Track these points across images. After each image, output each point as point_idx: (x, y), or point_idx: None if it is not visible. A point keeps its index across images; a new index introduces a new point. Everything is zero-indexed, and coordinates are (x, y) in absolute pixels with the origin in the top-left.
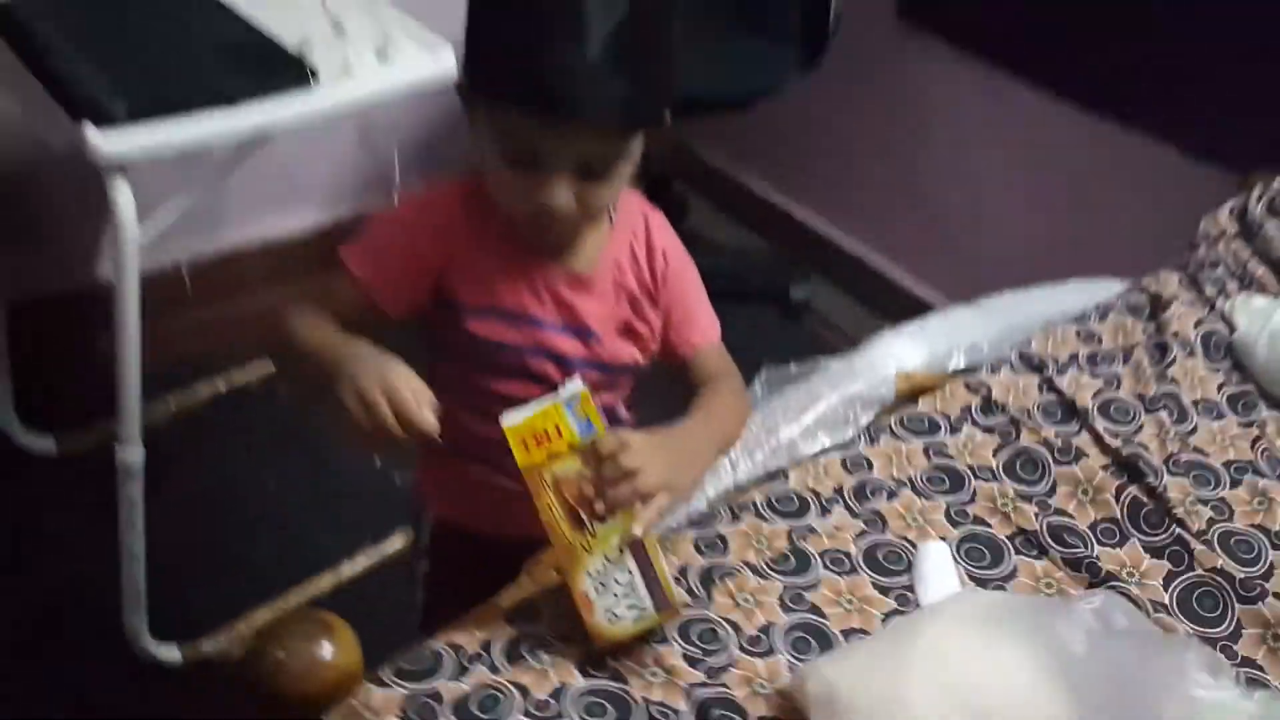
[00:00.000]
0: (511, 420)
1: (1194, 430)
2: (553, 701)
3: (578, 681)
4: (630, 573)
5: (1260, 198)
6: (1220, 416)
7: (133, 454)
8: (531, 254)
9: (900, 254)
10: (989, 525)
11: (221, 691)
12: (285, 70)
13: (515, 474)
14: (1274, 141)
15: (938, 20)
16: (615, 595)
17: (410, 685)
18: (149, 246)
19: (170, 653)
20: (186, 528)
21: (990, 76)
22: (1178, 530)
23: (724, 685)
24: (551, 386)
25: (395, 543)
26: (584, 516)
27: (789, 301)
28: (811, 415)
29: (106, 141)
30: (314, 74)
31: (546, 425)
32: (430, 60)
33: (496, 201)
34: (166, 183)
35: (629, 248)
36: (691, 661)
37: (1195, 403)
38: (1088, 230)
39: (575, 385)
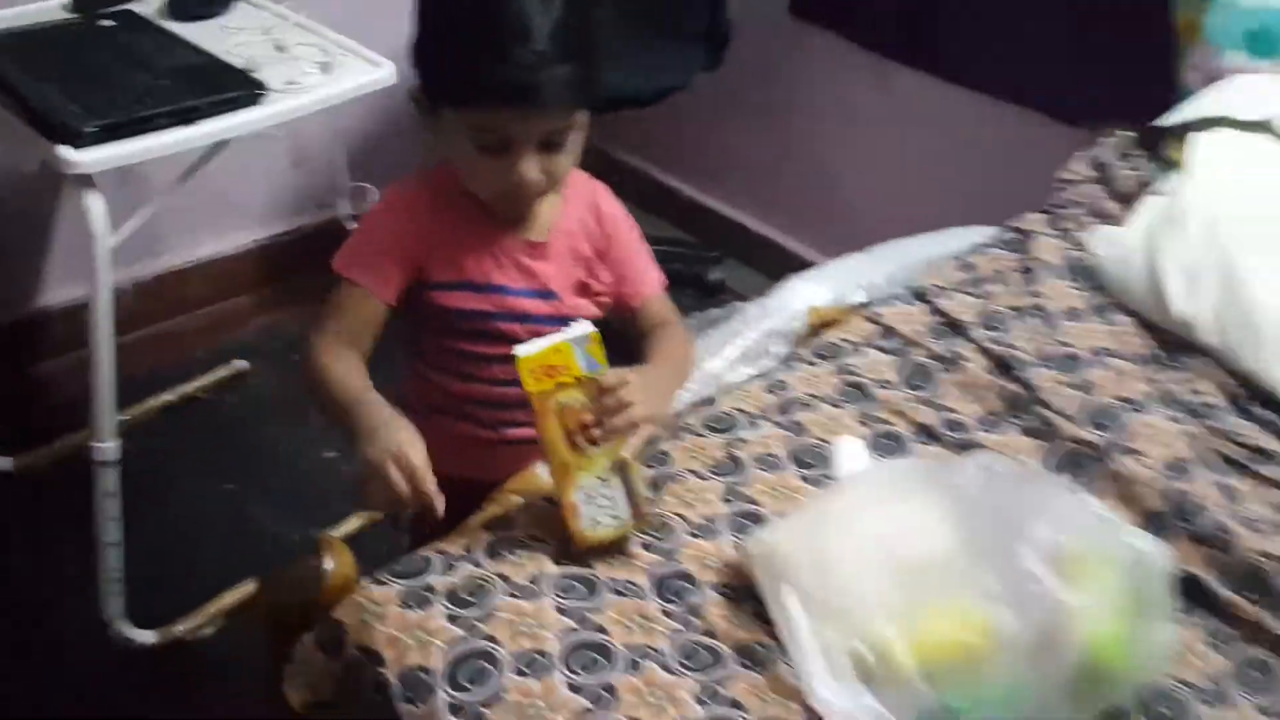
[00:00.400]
0: (525, 351)
1: (1060, 331)
2: (530, 585)
3: (551, 569)
4: (614, 488)
5: (1108, 144)
6: (1082, 319)
7: (108, 449)
8: (493, 229)
9: (803, 230)
10: (891, 424)
11: (193, 669)
12: (237, 86)
13: (487, 422)
14: (1115, 101)
15: (826, 16)
16: (600, 506)
17: (405, 581)
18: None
19: (146, 636)
20: (151, 526)
21: (875, 63)
22: (1045, 412)
23: (677, 562)
24: (518, 341)
25: (353, 523)
26: (580, 441)
27: (707, 283)
28: (733, 349)
29: (80, 158)
30: (263, 88)
31: (555, 360)
32: (371, 71)
33: (471, 185)
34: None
35: (579, 216)
36: (647, 547)
37: (1061, 311)
38: (967, 190)
39: (585, 326)
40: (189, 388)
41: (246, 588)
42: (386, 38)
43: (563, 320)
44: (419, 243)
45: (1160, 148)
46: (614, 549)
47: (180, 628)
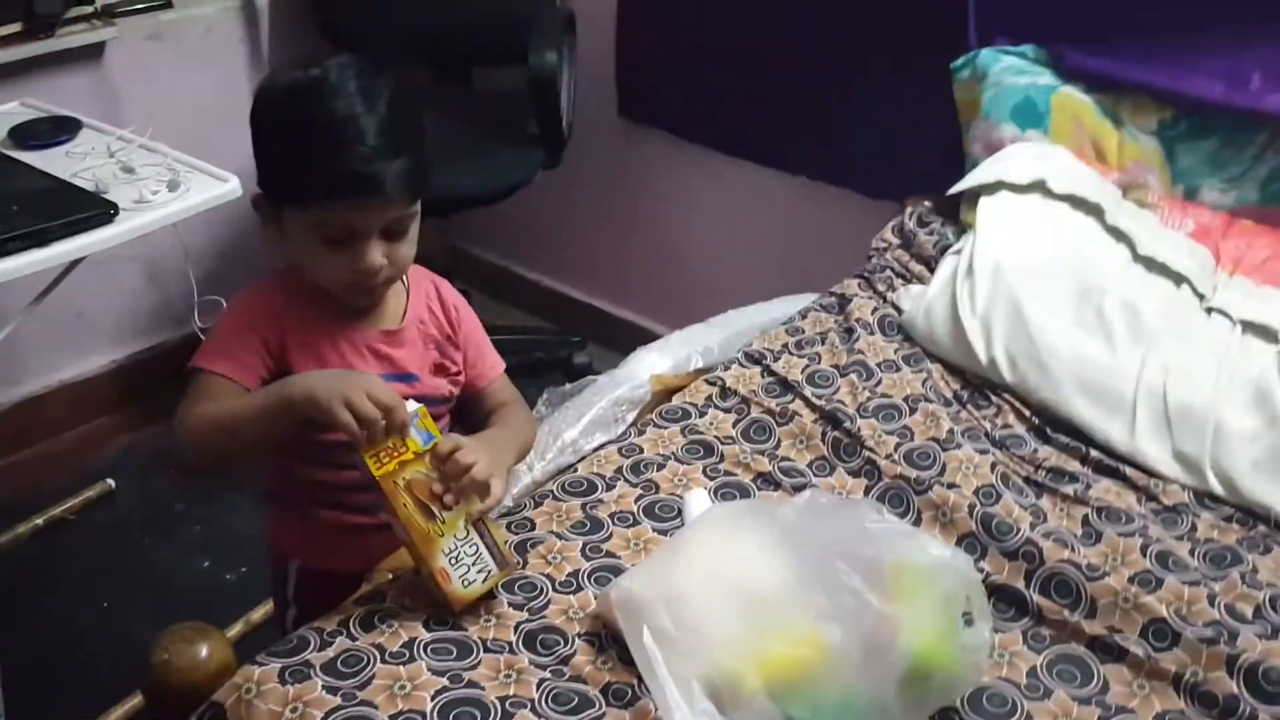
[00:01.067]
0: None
1: (879, 383)
2: (406, 652)
3: (424, 635)
4: (476, 544)
5: (911, 214)
6: (898, 370)
7: None
8: (347, 321)
9: (655, 309)
10: (735, 474)
11: None
12: (88, 207)
13: (359, 507)
14: (920, 175)
15: (651, 115)
16: (467, 565)
17: (283, 659)
18: None
19: None
20: (30, 650)
21: (703, 154)
22: (869, 455)
23: (545, 617)
24: None
25: (235, 628)
26: (434, 509)
27: (573, 367)
28: (586, 418)
29: None
30: (115, 207)
31: (393, 441)
32: (217, 186)
33: (319, 279)
34: None
35: (425, 305)
36: (516, 607)
37: (879, 364)
38: (798, 262)
39: (413, 405)
40: (56, 511)
41: (132, 702)
42: (229, 153)
43: (423, 400)
44: (276, 333)
45: (953, 213)
46: (485, 595)
47: None
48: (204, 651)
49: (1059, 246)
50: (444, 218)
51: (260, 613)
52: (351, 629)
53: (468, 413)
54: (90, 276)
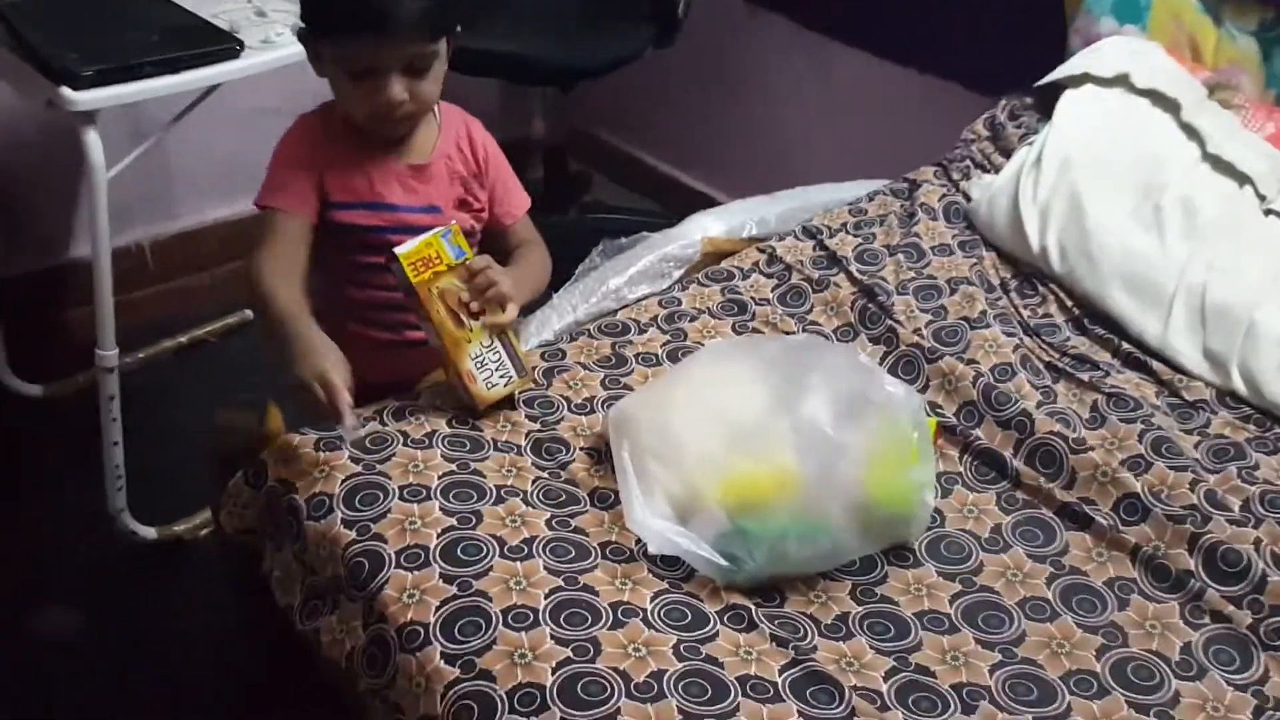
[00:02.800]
0: (403, 249)
1: (927, 265)
2: (426, 440)
3: (444, 429)
4: (499, 351)
5: (1005, 107)
6: (950, 254)
7: (108, 356)
8: (380, 153)
9: (749, 191)
10: (760, 331)
11: (188, 565)
12: (218, 42)
13: (387, 325)
14: (1028, 70)
15: (776, 1)
16: (490, 369)
17: (319, 432)
18: (116, 228)
19: (148, 532)
20: (160, 443)
21: (816, 41)
22: (891, 323)
23: (555, 430)
24: None
25: None
26: (463, 318)
27: None
28: (633, 269)
29: (78, 97)
30: (241, 44)
31: (428, 253)
32: None
33: (348, 110)
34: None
35: (455, 143)
36: (531, 419)
37: (932, 247)
38: (895, 151)
39: (450, 222)
40: (199, 332)
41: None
42: None
43: None
44: (317, 165)
45: (1050, 108)
46: (506, 404)
47: (180, 527)
48: (260, 419)
49: (1130, 141)
50: (564, 92)
51: None
52: (384, 417)
53: (492, 247)
54: (240, 124)
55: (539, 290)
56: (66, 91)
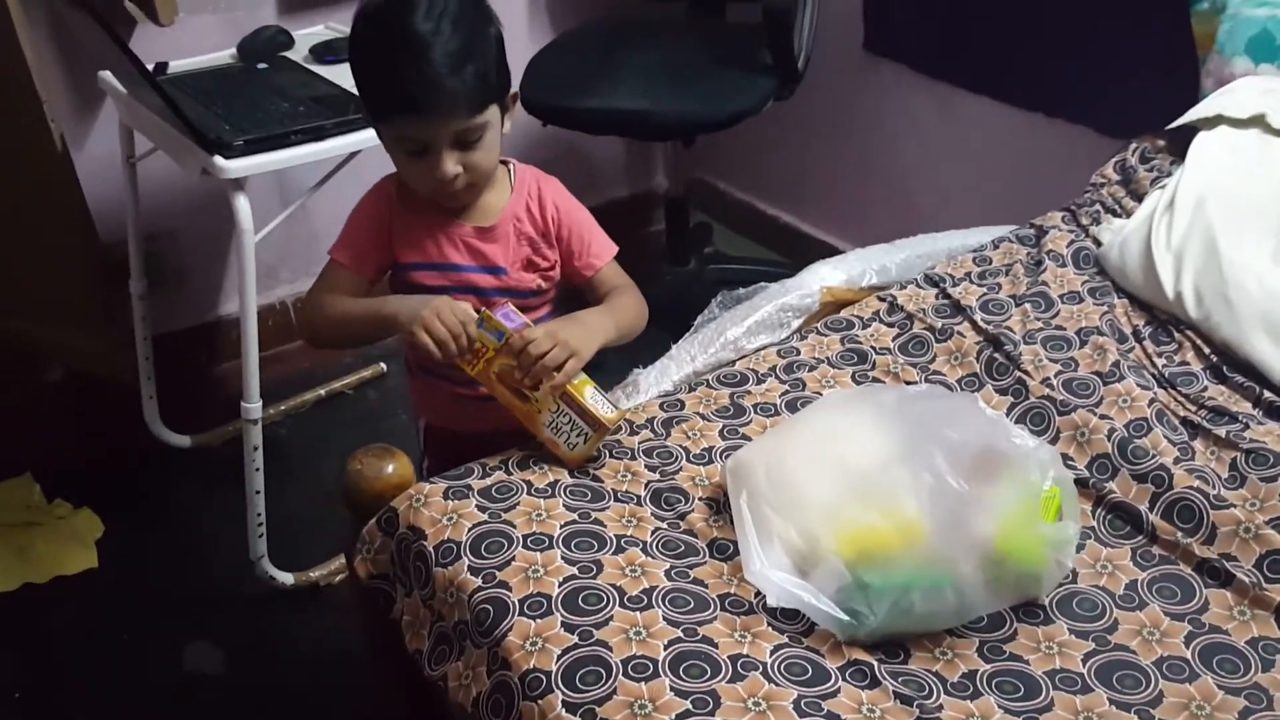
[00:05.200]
0: None
1: (1056, 314)
2: (549, 490)
3: (567, 479)
4: (569, 414)
5: (1136, 150)
6: (1080, 301)
7: (253, 409)
8: (446, 217)
9: (875, 240)
10: (881, 381)
11: (324, 609)
12: (358, 111)
13: (465, 387)
14: (1159, 113)
15: (895, 49)
16: (566, 431)
17: (449, 481)
18: (263, 287)
19: (285, 577)
20: (300, 492)
21: (940, 89)
22: (1019, 374)
23: (674, 480)
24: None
25: None
26: (525, 391)
27: None
28: (752, 319)
29: (229, 165)
30: None
31: (475, 345)
32: None
33: (410, 184)
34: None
35: (525, 204)
36: (650, 469)
37: (1061, 295)
38: (1025, 197)
39: (480, 313)
40: (337, 385)
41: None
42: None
43: (511, 293)
44: (386, 228)
45: (1183, 151)
46: (594, 454)
47: (315, 574)
48: (390, 467)
49: (1267, 183)
50: (686, 146)
51: None
52: (509, 466)
53: (581, 298)
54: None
55: (627, 331)
56: (219, 160)
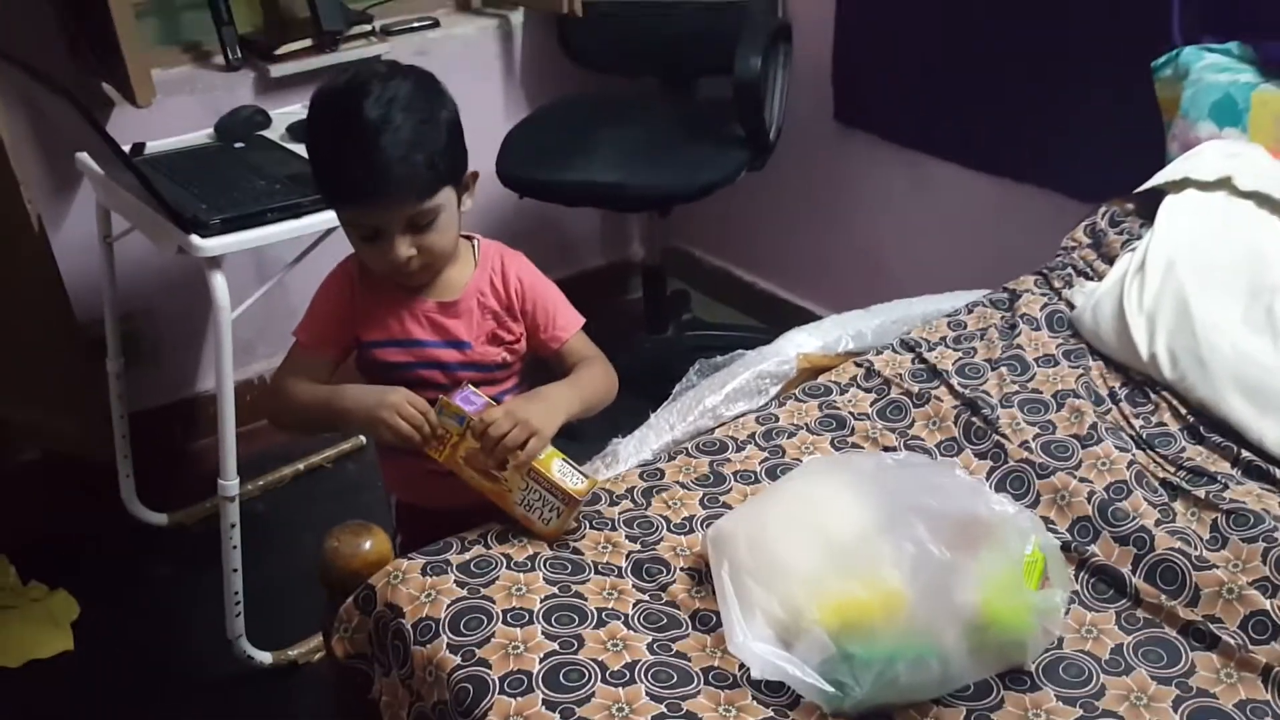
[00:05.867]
0: None
1: (1032, 377)
2: (528, 563)
3: (546, 552)
4: (539, 490)
5: (1105, 214)
6: (1055, 364)
7: (229, 486)
8: (408, 294)
9: (850, 305)
10: (860, 447)
11: (302, 688)
12: None
13: (436, 464)
14: (1126, 177)
15: (865, 119)
16: (538, 508)
17: (428, 557)
18: (239, 362)
19: (263, 656)
20: (278, 569)
21: (909, 156)
22: (998, 438)
23: (655, 551)
24: (440, 386)
25: None
26: (493, 472)
27: None
28: (729, 386)
29: (205, 244)
30: None
31: (438, 433)
32: None
33: (367, 266)
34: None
35: (489, 279)
36: (631, 539)
37: (1036, 359)
38: (995, 261)
39: (439, 401)
40: (315, 459)
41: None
42: (483, 156)
43: (476, 366)
44: (348, 308)
45: (1152, 214)
46: (571, 527)
47: (294, 652)
48: (367, 544)
49: (1237, 244)
50: (663, 216)
51: None
52: (488, 540)
53: (550, 369)
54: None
55: (595, 403)
56: (195, 239)
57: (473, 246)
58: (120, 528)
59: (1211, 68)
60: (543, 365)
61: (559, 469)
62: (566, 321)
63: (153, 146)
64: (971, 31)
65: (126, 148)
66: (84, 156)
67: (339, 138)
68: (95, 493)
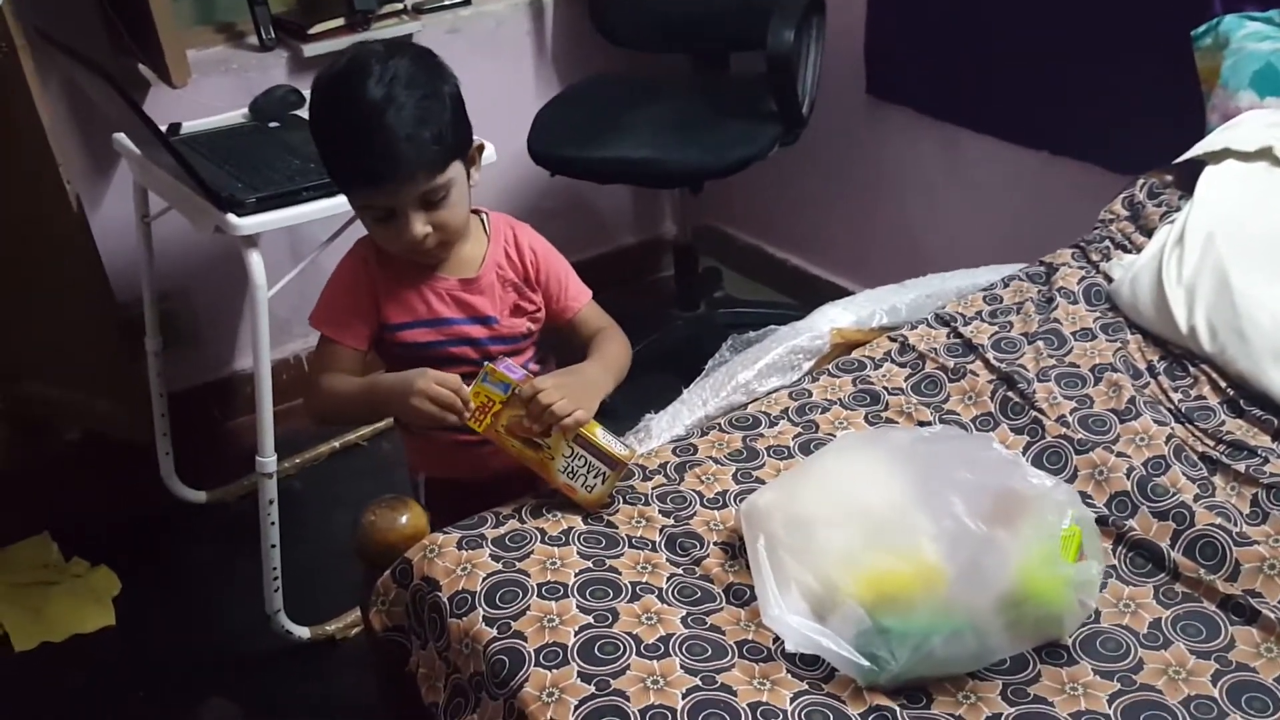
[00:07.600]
0: None
1: (1069, 351)
2: (563, 537)
3: (580, 526)
4: (584, 457)
5: (1143, 186)
6: (1093, 338)
7: (267, 463)
8: (429, 273)
9: (884, 281)
10: (895, 422)
11: (340, 662)
12: None
13: (463, 435)
14: (1165, 149)
15: (898, 93)
16: (582, 475)
17: (462, 531)
18: (276, 341)
19: (302, 631)
20: (316, 545)
21: (942, 130)
22: (1034, 413)
23: (688, 525)
24: (473, 361)
25: None
26: (536, 440)
27: None
28: (762, 362)
29: (242, 222)
30: None
31: (479, 401)
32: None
33: (383, 247)
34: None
35: (503, 251)
36: (664, 514)
37: (1073, 333)
38: (1032, 235)
39: (483, 368)
40: (351, 436)
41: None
42: (514, 135)
43: (503, 339)
44: (370, 293)
45: (1191, 185)
46: (610, 500)
47: (331, 627)
48: (403, 518)
49: (1277, 216)
50: (693, 193)
51: None
52: (522, 514)
53: (566, 340)
54: None
55: (621, 373)
56: (232, 218)
57: (483, 220)
58: (160, 505)
59: (1253, 36)
60: (548, 334)
61: (603, 435)
62: (578, 291)
63: (188, 126)
64: (1006, 2)
65: (163, 128)
66: (121, 137)
67: (345, 121)
68: (135, 471)
